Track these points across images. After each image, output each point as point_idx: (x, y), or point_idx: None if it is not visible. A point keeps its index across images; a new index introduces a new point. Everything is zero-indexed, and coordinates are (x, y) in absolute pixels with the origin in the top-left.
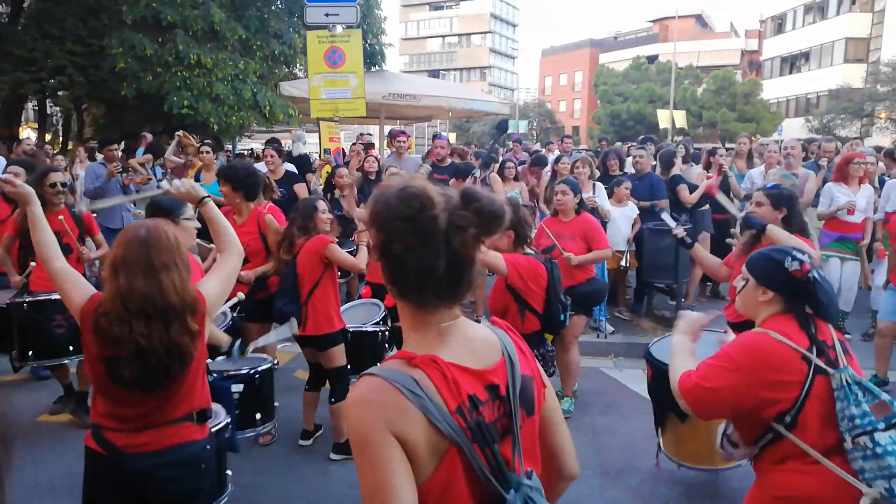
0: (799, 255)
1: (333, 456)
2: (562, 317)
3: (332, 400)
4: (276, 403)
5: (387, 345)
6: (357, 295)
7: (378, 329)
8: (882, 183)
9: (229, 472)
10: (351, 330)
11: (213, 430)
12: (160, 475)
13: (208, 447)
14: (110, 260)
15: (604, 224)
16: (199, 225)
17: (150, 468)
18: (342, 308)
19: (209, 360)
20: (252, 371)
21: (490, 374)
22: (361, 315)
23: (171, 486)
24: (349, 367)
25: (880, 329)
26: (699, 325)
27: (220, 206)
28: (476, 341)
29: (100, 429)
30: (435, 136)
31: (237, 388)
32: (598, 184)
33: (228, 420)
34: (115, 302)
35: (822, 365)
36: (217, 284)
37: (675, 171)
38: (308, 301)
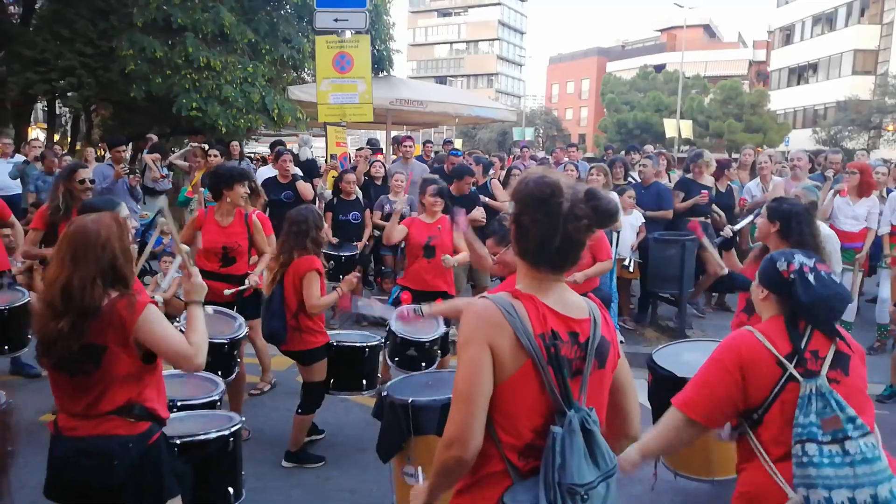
0: (797, 257)
1: (285, 463)
2: None
3: (299, 411)
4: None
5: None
6: (391, 299)
7: (364, 344)
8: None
9: (231, 490)
10: (335, 344)
11: (155, 433)
12: (73, 461)
13: (130, 445)
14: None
15: (613, 233)
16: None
17: (66, 453)
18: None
19: None
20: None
21: (574, 322)
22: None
23: (83, 476)
24: (333, 381)
25: None
26: None
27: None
28: (570, 300)
29: (56, 411)
30: (446, 143)
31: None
32: (612, 193)
33: (222, 433)
34: (46, 284)
35: (795, 373)
36: (165, 330)
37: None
38: (294, 317)
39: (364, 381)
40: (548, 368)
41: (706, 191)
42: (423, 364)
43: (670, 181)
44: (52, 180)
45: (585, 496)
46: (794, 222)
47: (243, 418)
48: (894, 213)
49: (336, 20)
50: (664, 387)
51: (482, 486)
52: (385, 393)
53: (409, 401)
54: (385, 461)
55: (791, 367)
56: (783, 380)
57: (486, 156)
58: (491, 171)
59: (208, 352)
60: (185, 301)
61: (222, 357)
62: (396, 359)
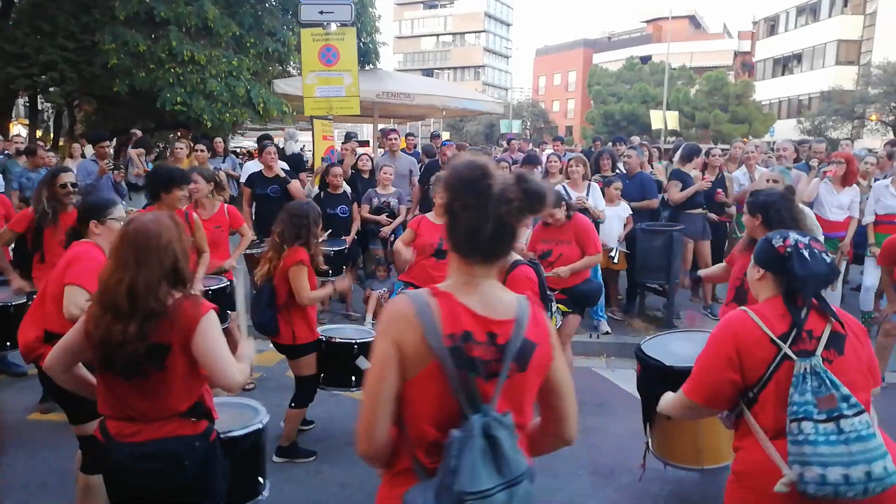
0: (791, 235)
1: (276, 459)
2: (549, 314)
3: (292, 405)
4: None
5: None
6: (393, 295)
7: (353, 341)
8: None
9: (261, 480)
10: (326, 339)
11: (219, 432)
12: (138, 467)
13: (197, 444)
14: (110, 251)
15: (597, 225)
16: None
17: (128, 458)
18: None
19: None
20: None
21: (494, 324)
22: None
23: (147, 480)
24: (323, 376)
25: (886, 328)
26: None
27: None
28: (494, 298)
29: (103, 420)
30: (434, 136)
31: None
32: (594, 184)
33: (257, 426)
34: (98, 290)
35: (790, 352)
36: (220, 346)
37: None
38: (283, 309)
39: (353, 378)
40: (454, 369)
41: (706, 177)
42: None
43: (654, 172)
44: (37, 178)
45: None
46: (772, 211)
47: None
48: (878, 202)
49: (321, 12)
50: (652, 376)
51: (393, 483)
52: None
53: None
54: None
55: (785, 347)
56: (778, 359)
57: (480, 148)
58: None
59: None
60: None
61: None
62: None
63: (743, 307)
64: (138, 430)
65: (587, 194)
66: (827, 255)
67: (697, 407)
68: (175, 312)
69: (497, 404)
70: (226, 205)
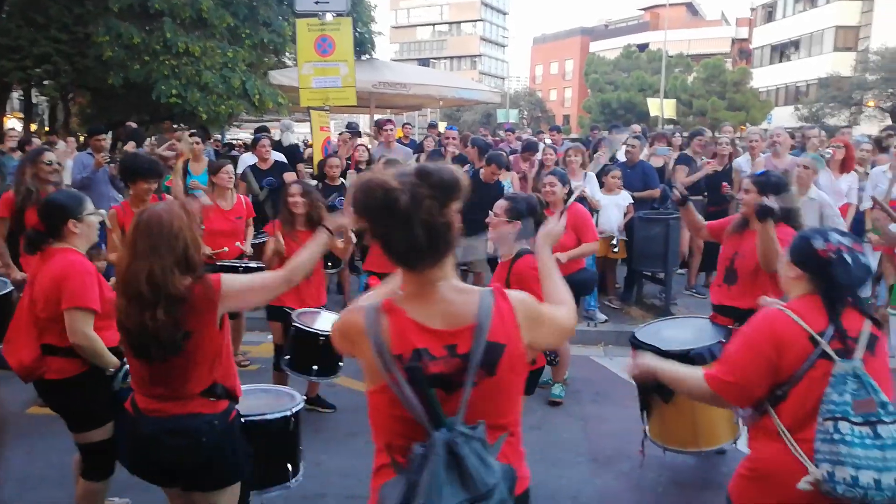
0: (831, 236)
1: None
2: None
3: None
4: None
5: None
6: (361, 286)
7: (319, 332)
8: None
9: (290, 466)
10: (295, 323)
11: (241, 413)
12: (164, 441)
13: (216, 423)
14: (126, 240)
15: (594, 214)
16: (102, 216)
17: (156, 432)
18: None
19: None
20: None
21: (451, 335)
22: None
23: (172, 454)
24: (289, 357)
25: (881, 315)
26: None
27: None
28: (451, 305)
29: (133, 391)
30: (431, 126)
31: None
32: (590, 173)
33: (286, 413)
34: (119, 280)
35: (829, 350)
36: (243, 283)
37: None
38: None
39: (315, 368)
40: (408, 387)
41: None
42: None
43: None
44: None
45: None
46: (782, 195)
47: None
48: (877, 188)
49: (317, 2)
50: None
51: (377, 477)
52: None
53: None
54: None
55: (825, 344)
56: (814, 356)
57: (483, 135)
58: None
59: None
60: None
61: None
62: None
63: (778, 305)
64: (164, 406)
65: (584, 184)
66: (865, 255)
67: (714, 397)
68: (190, 298)
69: (464, 415)
70: (242, 196)
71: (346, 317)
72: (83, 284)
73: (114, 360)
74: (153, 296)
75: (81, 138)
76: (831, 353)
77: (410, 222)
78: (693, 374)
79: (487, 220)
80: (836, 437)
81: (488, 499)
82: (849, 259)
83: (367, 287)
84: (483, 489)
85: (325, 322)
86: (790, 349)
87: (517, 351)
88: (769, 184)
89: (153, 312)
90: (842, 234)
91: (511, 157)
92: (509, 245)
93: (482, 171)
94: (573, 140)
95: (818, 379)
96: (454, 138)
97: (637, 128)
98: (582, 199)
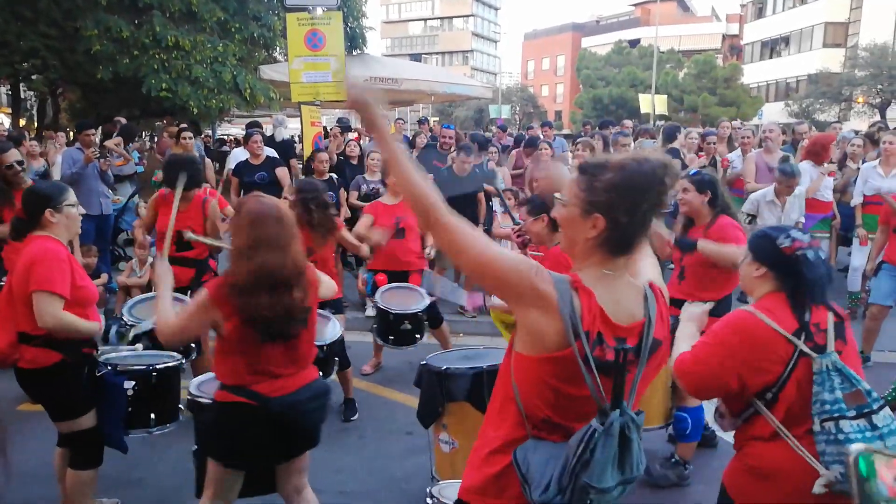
0: (794, 234)
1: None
2: None
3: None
4: (180, 406)
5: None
6: (369, 287)
7: None
8: None
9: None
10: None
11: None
12: (302, 409)
13: (326, 381)
14: (248, 238)
15: None
16: (83, 211)
17: (294, 404)
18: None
19: (107, 353)
20: (149, 368)
21: (623, 330)
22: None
23: (309, 417)
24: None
25: (872, 312)
26: (702, 318)
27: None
28: (627, 299)
29: (243, 386)
30: (422, 122)
31: (129, 384)
32: None
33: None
34: (259, 273)
35: (807, 349)
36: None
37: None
38: None
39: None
40: (590, 367)
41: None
42: (417, 336)
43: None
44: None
45: (596, 499)
46: (719, 189)
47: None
48: (867, 183)
49: None
50: None
51: (501, 451)
52: (424, 362)
53: (444, 368)
54: (426, 427)
55: (801, 344)
56: (795, 357)
57: (482, 132)
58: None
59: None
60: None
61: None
62: (391, 337)
63: (747, 307)
64: (292, 381)
65: None
66: (822, 251)
67: (680, 388)
68: (309, 275)
69: (632, 403)
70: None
71: (540, 277)
72: (51, 269)
73: (93, 325)
74: (296, 279)
75: (71, 133)
76: (808, 351)
77: (653, 209)
78: (676, 349)
79: (518, 227)
80: (841, 437)
81: (633, 482)
82: (811, 256)
83: (375, 285)
84: (636, 473)
85: (335, 328)
86: (769, 351)
87: (667, 348)
88: (705, 182)
89: (292, 293)
90: (800, 231)
91: (514, 152)
92: (548, 239)
93: (454, 164)
94: (565, 136)
95: (805, 379)
96: (450, 137)
97: (629, 123)
98: None
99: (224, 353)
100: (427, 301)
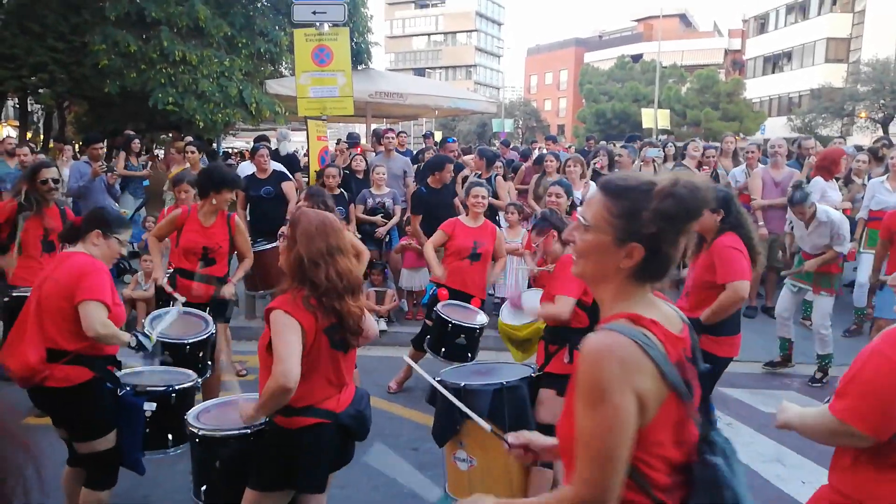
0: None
1: None
2: None
3: None
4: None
5: None
6: (426, 297)
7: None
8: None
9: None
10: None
11: None
12: (365, 416)
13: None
14: (321, 245)
15: None
16: (125, 252)
17: (357, 415)
18: None
19: (123, 371)
20: (168, 389)
21: (682, 340)
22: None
23: (368, 422)
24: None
25: (879, 325)
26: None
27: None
28: (667, 312)
29: (312, 406)
30: (427, 136)
31: (150, 406)
32: (592, 183)
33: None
34: (332, 282)
35: None
36: None
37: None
38: None
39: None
40: (685, 395)
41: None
42: (469, 355)
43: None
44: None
45: None
46: (732, 206)
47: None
48: (874, 198)
49: (314, 13)
50: None
51: None
52: (439, 378)
53: (462, 385)
54: (440, 445)
55: None
56: None
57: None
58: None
59: (173, 352)
60: None
61: (185, 358)
62: (443, 349)
63: None
64: (349, 392)
65: (586, 193)
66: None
67: (858, 435)
68: None
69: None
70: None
71: (614, 346)
72: (101, 280)
73: (126, 335)
74: (359, 281)
75: (77, 146)
76: None
77: (684, 235)
78: (826, 422)
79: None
80: None
81: None
82: None
83: (436, 298)
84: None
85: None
86: None
87: None
88: (718, 199)
89: (356, 300)
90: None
91: (524, 168)
92: (559, 254)
93: (430, 178)
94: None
95: None
96: (453, 151)
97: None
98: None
99: None
100: (486, 320)
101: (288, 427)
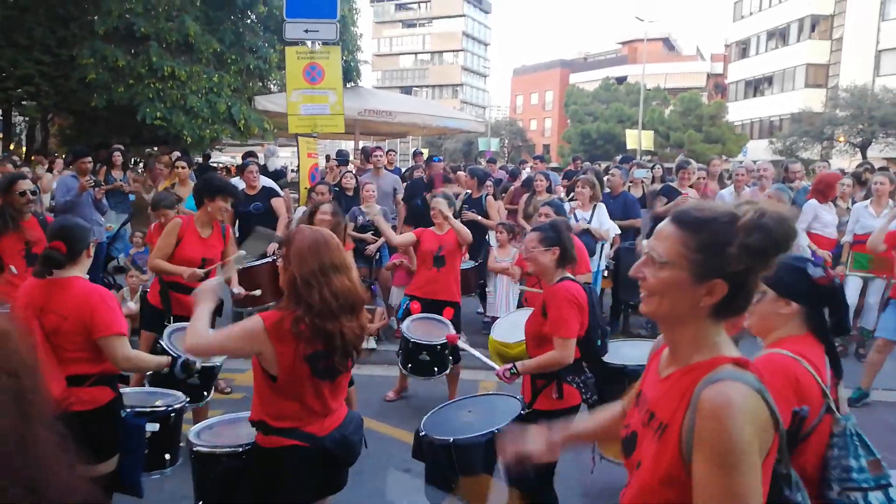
0: (818, 262)
1: None
2: (599, 342)
3: None
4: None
5: None
6: (400, 311)
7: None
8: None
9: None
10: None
11: None
12: (349, 442)
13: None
14: (314, 265)
15: (594, 246)
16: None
17: (342, 438)
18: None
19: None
20: (168, 409)
21: None
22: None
23: (355, 450)
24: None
25: (878, 344)
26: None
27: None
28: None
29: (294, 430)
30: (416, 154)
31: (152, 426)
32: (601, 204)
33: None
34: (326, 302)
35: (833, 406)
36: None
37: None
38: None
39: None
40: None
41: (686, 192)
42: (436, 369)
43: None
44: None
45: None
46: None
47: None
48: (858, 222)
49: (306, 31)
50: (612, 379)
51: None
52: (423, 433)
53: (451, 441)
54: None
55: (831, 401)
56: (822, 411)
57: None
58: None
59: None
60: None
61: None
62: (409, 365)
63: (784, 351)
64: (336, 416)
65: (593, 215)
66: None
67: None
68: None
69: None
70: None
71: (749, 407)
72: (113, 311)
73: (162, 358)
74: (359, 306)
75: (60, 159)
76: (835, 409)
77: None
78: None
79: (519, 258)
80: None
81: None
82: (838, 287)
83: (408, 311)
84: None
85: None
86: (808, 402)
87: None
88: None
89: (353, 321)
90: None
91: (512, 188)
92: (551, 273)
93: (427, 194)
94: (553, 169)
95: (822, 437)
96: (438, 170)
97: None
98: (586, 232)
99: (273, 393)
100: (453, 333)
101: (268, 446)
